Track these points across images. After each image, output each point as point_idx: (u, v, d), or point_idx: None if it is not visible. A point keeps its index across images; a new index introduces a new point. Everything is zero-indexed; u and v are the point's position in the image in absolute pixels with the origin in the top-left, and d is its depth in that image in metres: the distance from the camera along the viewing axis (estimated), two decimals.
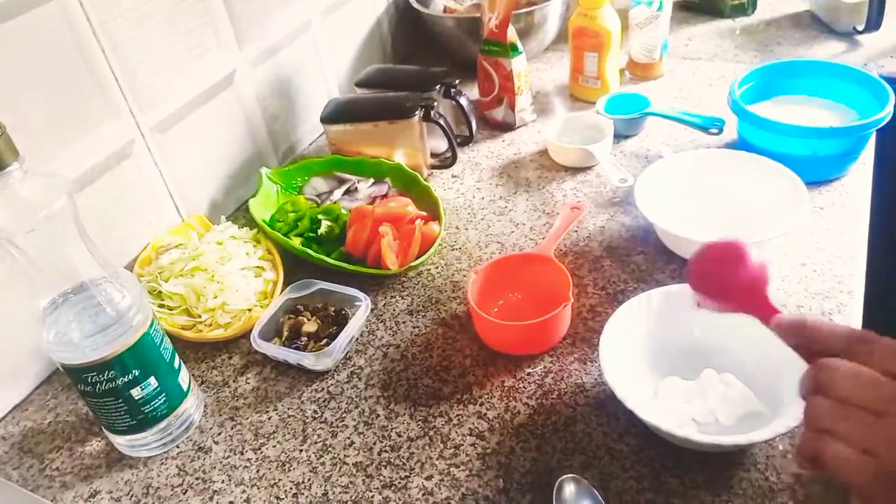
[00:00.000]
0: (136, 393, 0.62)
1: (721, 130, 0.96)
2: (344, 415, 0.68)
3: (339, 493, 0.61)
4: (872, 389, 0.39)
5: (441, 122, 0.95)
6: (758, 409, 0.59)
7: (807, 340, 0.45)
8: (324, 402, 0.70)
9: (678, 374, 0.63)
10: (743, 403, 0.60)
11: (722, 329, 0.64)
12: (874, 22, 1.12)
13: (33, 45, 0.69)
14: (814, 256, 0.76)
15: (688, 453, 0.59)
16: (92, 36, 0.74)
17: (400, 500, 0.60)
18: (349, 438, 0.66)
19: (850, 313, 0.69)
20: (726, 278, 0.52)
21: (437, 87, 1.00)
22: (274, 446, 0.66)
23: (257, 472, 0.64)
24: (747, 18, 1.27)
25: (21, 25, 0.68)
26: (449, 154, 0.99)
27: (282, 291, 0.80)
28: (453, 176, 1.00)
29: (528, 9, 1.15)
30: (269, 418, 0.69)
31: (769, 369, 0.61)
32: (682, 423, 0.59)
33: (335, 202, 0.92)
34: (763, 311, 0.49)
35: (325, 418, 0.68)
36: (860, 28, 1.13)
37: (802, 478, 0.56)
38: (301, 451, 0.65)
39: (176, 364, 0.66)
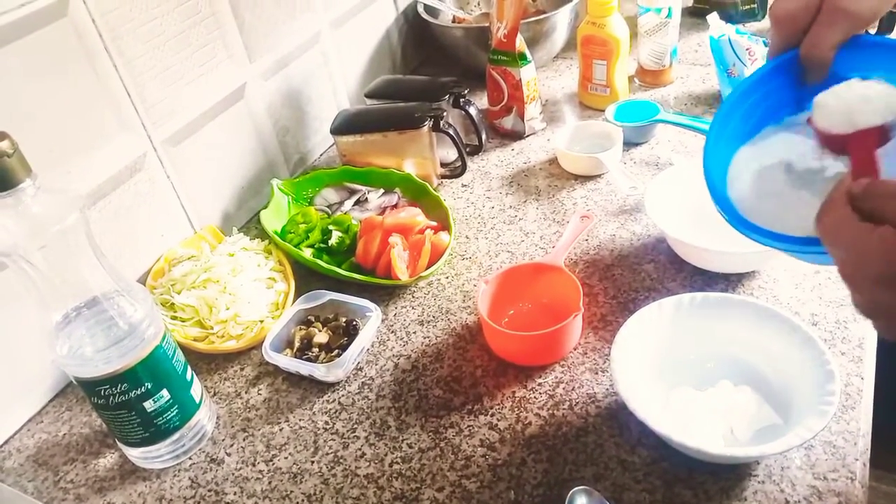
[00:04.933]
0: (148, 405, 0.62)
1: None
2: (355, 426, 0.68)
3: None
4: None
5: (450, 131, 0.95)
6: (774, 421, 0.59)
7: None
8: (335, 413, 0.70)
9: (690, 384, 0.63)
10: (759, 417, 0.59)
11: (735, 339, 0.64)
12: (887, 23, 1.11)
13: (45, 62, 0.70)
14: None
15: (701, 465, 0.58)
16: (104, 51, 0.75)
17: None
18: (360, 450, 0.66)
19: (864, 321, 0.68)
20: None
21: (447, 96, 1.00)
22: (286, 458, 0.66)
23: (269, 483, 0.64)
24: (758, 23, 1.27)
25: (33, 42, 0.69)
26: (458, 163, 0.99)
27: (293, 303, 0.80)
28: (463, 185, 1.00)
29: (537, 18, 1.16)
30: (281, 429, 0.69)
31: (783, 379, 0.61)
32: (696, 434, 0.59)
33: (346, 213, 0.92)
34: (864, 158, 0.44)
35: (337, 429, 0.68)
36: (872, 31, 1.12)
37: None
38: (313, 462, 0.65)
39: (188, 376, 0.67)
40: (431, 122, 0.94)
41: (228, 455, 0.68)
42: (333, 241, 0.86)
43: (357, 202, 0.95)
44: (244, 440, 0.69)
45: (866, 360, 0.65)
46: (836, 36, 0.50)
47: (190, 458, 0.68)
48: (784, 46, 0.53)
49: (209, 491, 0.65)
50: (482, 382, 0.70)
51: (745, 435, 0.59)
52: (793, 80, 0.55)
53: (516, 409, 0.67)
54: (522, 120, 1.06)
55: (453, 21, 1.29)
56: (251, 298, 0.79)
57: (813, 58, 0.51)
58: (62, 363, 0.59)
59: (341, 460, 0.65)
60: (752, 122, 0.57)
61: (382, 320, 0.79)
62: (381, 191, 0.95)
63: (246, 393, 0.74)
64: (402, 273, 0.80)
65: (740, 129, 0.56)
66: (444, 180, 1.01)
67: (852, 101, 0.48)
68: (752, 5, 1.26)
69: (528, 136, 1.08)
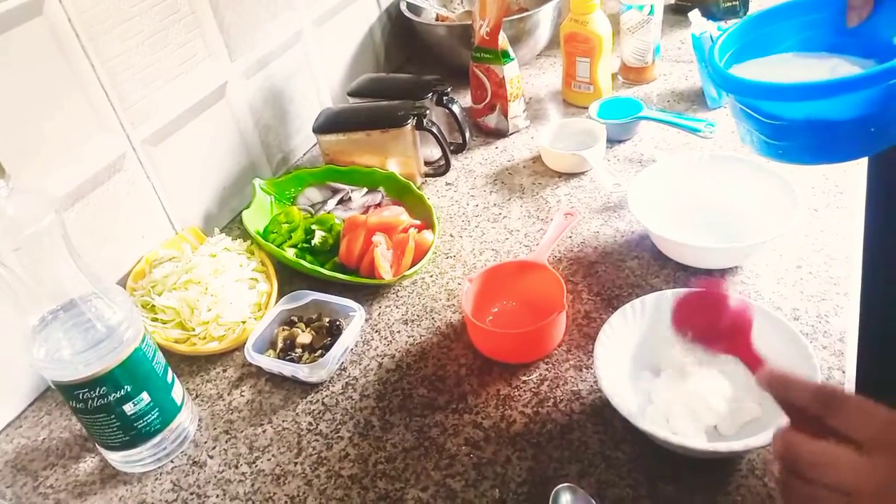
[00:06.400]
0: (128, 408, 0.62)
1: (713, 133, 0.96)
2: (339, 426, 0.68)
3: None
4: (833, 472, 0.39)
5: (434, 130, 0.95)
6: (756, 416, 0.59)
7: (784, 396, 0.45)
8: (319, 413, 0.69)
9: (674, 380, 0.63)
10: (742, 412, 0.59)
11: None
12: None
13: (20, 61, 0.69)
14: (809, 258, 0.76)
15: (684, 460, 0.58)
16: (80, 50, 0.74)
17: None
18: (344, 450, 0.65)
19: (846, 315, 0.69)
20: (707, 323, 0.53)
21: (430, 95, 1.00)
22: (269, 459, 0.66)
23: (252, 486, 0.64)
24: (739, 20, 1.27)
25: (7, 41, 0.68)
26: (442, 162, 0.99)
27: (276, 303, 0.79)
28: (447, 184, 1.00)
29: (520, 15, 1.15)
30: (264, 431, 0.68)
31: None
32: (679, 429, 0.59)
33: (329, 212, 0.92)
34: (747, 357, 0.50)
35: (320, 430, 0.68)
36: None
37: None
38: (296, 464, 0.65)
39: (169, 378, 0.66)
40: (415, 121, 0.94)
41: (211, 458, 0.67)
42: (316, 240, 0.86)
43: (340, 201, 0.94)
44: (227, 442, 0.68)
45: (847, 354, 0.65)
46: None
47: (172, 462, 0.67)
48: None
49: (191, 494, 0.64)
50: (467, 381, 0.70)
51: (729, 430, 0.59)
52: (834, 19, 0.60)
53: (501, 407, 0.66)
54: (506, 118, 1.06)
55: (436, 19, 1.29)
56: (233, 299, 0.79)
57: None
58: (40, 367, 0.58)
59: (325, 461, 0.64)
60: (780, 44, 0.65)
61: (366, 320, 0.79)
62: (365, 190, 0.95)
63: (228, 395, 0.73)
64: (385, 272, 0.80)
65: (762, 42, 0.66)
66: (427, 179, 1.01)
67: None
68: (734, 2, 1.26)
69: (511, 133, 1.08)
